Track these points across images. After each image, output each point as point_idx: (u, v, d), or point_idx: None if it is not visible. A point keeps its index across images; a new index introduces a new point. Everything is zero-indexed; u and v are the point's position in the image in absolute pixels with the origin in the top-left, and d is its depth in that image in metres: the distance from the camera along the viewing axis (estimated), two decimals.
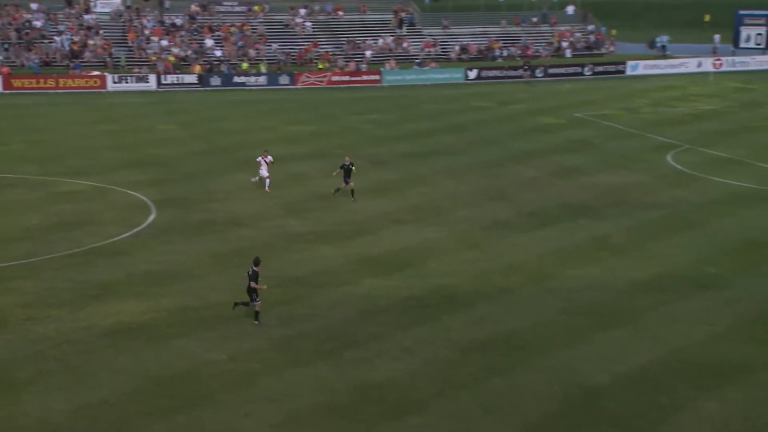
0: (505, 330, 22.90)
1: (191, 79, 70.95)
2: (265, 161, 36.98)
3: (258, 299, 23.29)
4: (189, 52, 76.66)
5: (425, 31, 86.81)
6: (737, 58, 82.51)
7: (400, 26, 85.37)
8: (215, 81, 71.49)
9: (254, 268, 23.42)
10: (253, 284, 23.20)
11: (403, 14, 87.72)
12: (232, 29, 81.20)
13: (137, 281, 26.54)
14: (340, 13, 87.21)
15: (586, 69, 78.36)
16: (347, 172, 35.45)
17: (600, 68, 78.84)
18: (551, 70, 77.38)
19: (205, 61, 75.60)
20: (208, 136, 50.40)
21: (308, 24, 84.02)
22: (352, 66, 76.68)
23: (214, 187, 38.35)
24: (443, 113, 58.93)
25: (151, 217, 33.41)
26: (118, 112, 59.11)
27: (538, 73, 76.37)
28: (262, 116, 57.65)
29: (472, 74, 75.38)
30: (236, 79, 72.03)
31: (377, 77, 74.34)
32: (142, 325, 23.22)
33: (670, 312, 24.02)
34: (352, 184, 35.61)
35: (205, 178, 40.05)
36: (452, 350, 21.70)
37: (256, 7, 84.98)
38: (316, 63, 77.50)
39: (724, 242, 29.91)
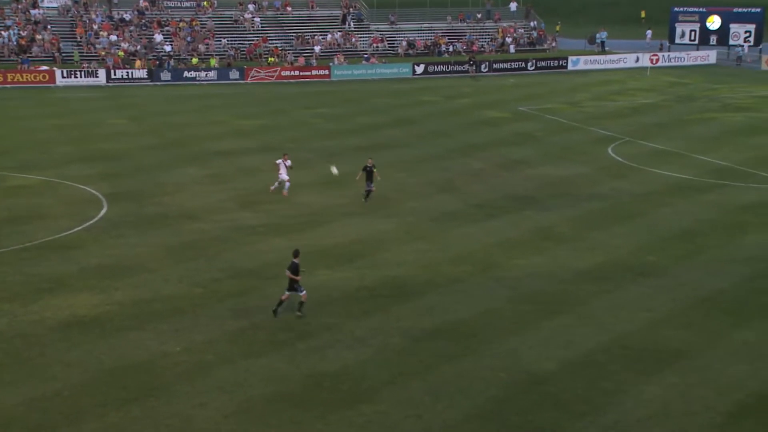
0: (454, 318, 23.48)
1: (141, 74, 70.54)
2: (285, 164, 35.28)
3: (303, 290, 23.42)
4: (138, 48, 76.07)
5: (373, 27, 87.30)
6: (672, 54, 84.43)
7: (344, 21, 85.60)
8: (165, 76, 71.14)
9: (294, 261, 23.52)
10: (289, 274, 23.28)
11: (351, 10, 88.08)
12: (182, 24, 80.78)
13: (90, 275, 26.59)
14: (289, 9, 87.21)
15: (529, 64, 79.67)
16: (369, 174, 34.11)
17: (543, 63, 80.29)
18: (496, 65, 78.52)
19: (154, 56, 75.15)
20: (158, 131, 50.26)
21: (257, 20, 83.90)
22: (301, 61, 76.85)
23: (166, 180, 38.37)
24: (392, 107, 59.47)
25: (103, 211, 33.38)
26: (68, 106, 58.57)
27: (483, 68, 77.38)
28: (213, 110, 57.59)
29: (419, 69, 76.06)
30: (186, 74, 71.77)
31: (326, 72, 74.63)
32: (95, 318, 23.32)
33: (612, 299, 24.77)
34: (373, 187, 34.23)
35: (156, 172, 40.02)
36: (403, 339, 22.20)
37: (204, 3, 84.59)
38: (266, 58, 77.48)
39: (663, 231, 30.86)
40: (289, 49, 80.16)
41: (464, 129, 51.29)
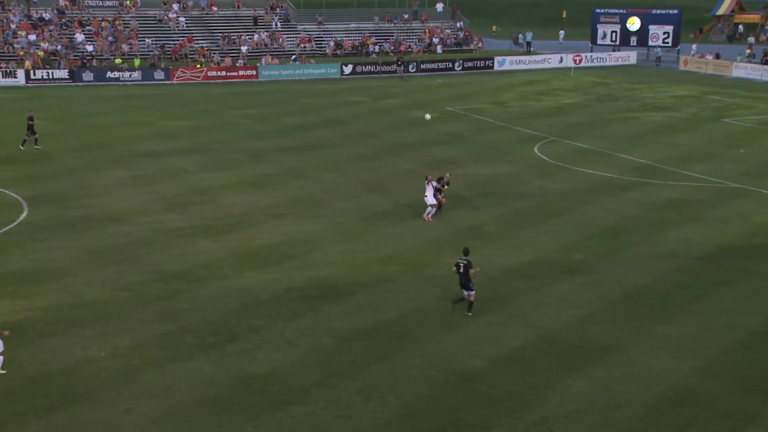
0: (385, 318, 23.51)
1: (62, 74, 68.95)
2: (432, 186, 32.43)
3: (473, 289, 23.51)
4: (59, 47, 74.34)
5: (300, 27, 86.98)
6: (595, 54, 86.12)
7: (255, 23, 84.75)
8: (87, 76, 69.72)
9: (466, 258, 23.72)
10: (472, 270, 23.57)
11: (278, 10, 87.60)
12: (104, 24, 79.22)
13: (10, 280, 25.86)
14: (214, 8, 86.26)
15: (456, 64, 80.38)
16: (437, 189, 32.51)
17: (469, 64, 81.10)
18: (423, 66, 78.98)
19: (76, 56, 73.53)
20: (81, 132, 49.19)
21: (182, 19, 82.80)
22: (228, 61, 76.13)
23: (90, 183, 37.58)
24: (320, 107, 59.33)
25: (24, 215, 32.51)
26: None
27: (411, 68, 77.74)
28: (138, 111, 56.63)
29: (347, 69, 76.05)
30: (110, 75, 70.44)
31: (254, 72, 74.08)
32: (15, 324, 22.60)
33: (540, 297, 25.11)
34: (443, 199, 32.96)
35: (80, 174, 39.17)
36: (333, 339, 22.14)
37: (127, 2, 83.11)
38: (192, 58, 76.52)
39: (588, 229, 31.41)
40: (215, 50, 79.32)
41: (393, 129, 51.45)
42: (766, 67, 75.12)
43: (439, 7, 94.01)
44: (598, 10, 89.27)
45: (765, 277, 26.57)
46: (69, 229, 30.96)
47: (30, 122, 43.90)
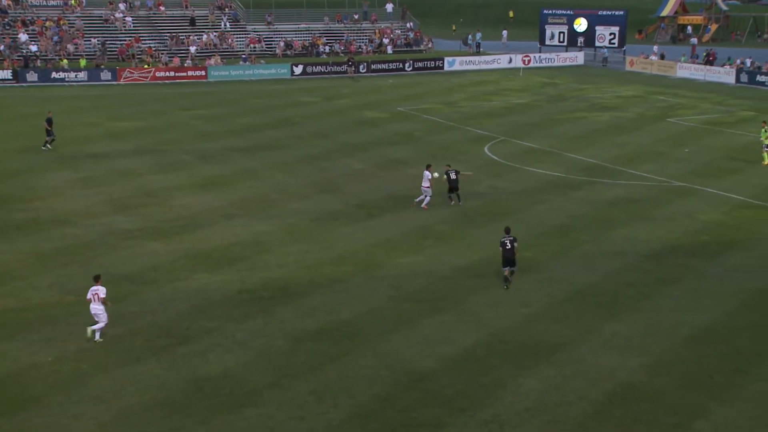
0: (337, 319, 23.49)
1: (4, 74, 67.66)
2: (430, 175, 33.91)
3: (516, 264, 25.63)
4: (1, 47, 72.92)
5: (249, 27, 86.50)
6: (543, 55, 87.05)
7: (192, 23, 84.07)
8: (32, 77, 68.54)
9: (511, 236, 25.75)
10: (517, 245, 25.68)
11: (226, 10, 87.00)
12: (48, 24, 77.89)
13: None
14: (162, 8, 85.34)
15: (407, 65, 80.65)
16: (452, 184, 34.08)
17: (420, 64, 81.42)
18: (374, 66, 79.08)
19: (19, 56, 72.20)
20: (26, 133, 48.25)
21: (129, 19, 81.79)
22: (176, 62, 75.40)
23: (36, 185, 36.93)
24: (271, 108, 59.07)
25: None
26: None
27: (362, 68, 77.79)
28: (85, 112, 55.83)
29: (298, 70, 75.82)
30: (54, 75, 69.28)
31: (203, 73, 73.47)
32: None
33: (490, 295, 25.28)
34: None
35: (25, 176, 38.49)
36: (286, 341, 22.07)
37: (72, 2, 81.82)
38: (139, 58, 75.63)
39: (538, 228, 31.72)
40: (163, 50, 78.50)
41: (344, 129, 51.42)
42: (708, 67, 76.60)
43: (389, 7, 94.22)
44: (546, 11, 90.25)
45: (710, 274, 27.10)
46: (14, 232, 30.39)
47: (47, 126, 44.19)
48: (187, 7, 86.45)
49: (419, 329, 22.85)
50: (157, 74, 71.83)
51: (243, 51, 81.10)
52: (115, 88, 68.11)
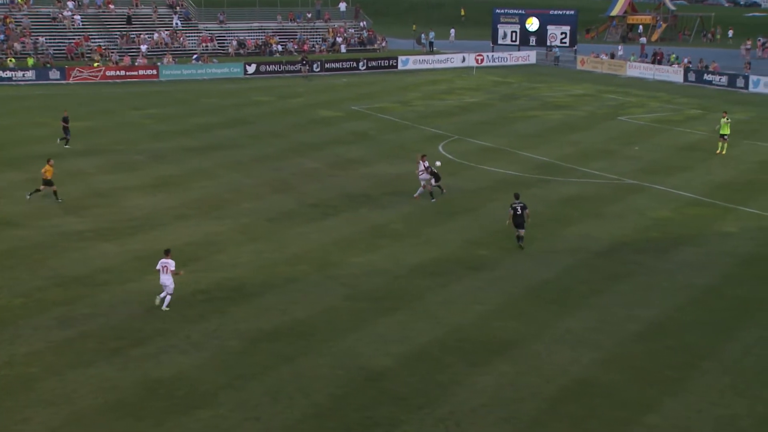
0: (292, 318, 23.41)
1: None
2: (423, 165, 35.10)
3: (525, 227, 28.77)
4: None
5: (201, 26, 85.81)
6: (496, 54, 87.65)
7: (128, 22, 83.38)
8: None
9: (521, 202, 28.92)
10: (527, 212, 28.69)
11: (177, 9, 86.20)
12: None
13: None
14: (111, 6, 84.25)
15: (360, 64, 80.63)
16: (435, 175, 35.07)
17: (374, 63, 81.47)
18: (328, 65, 78.96)
19: None
20: None
21: (77, 17, 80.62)
22: (126, 60, 74.52)
23: None
24: (224, 107, 58.67)
25: None
26: None
27: (316, 67, 77.62)
28: (33, 112, 54.88)
29: (251, 69, 75.41)
30: (1, 74, 68.01)
31: (154, 72, 72.70)
32: None
33: (446, 293, 25.40)
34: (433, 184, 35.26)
35: None
36: (240, 341, 21.93)
37: (19, 0, 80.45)
38: (89, 57, 74.58)
39: (492, 226, 31.90)
40: (113, 49, 77.54)
41: (298, 128, 51.25)
42: (657, 66, 77.75)
43: (342, 6, 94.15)
44: (498, 11, 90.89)
45: (660, 270, 27.52)
46: None
47: (64, 123, 44.35)
48: (137, 5, 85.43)
49: (375, 328, 22.86)
50: (108, 73, 70.90)
51: (195, 50, 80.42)
52: (64, 87, 67.08)
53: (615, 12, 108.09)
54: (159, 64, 73.99)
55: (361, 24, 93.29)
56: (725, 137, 44.12)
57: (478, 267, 27.59)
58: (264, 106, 60.02)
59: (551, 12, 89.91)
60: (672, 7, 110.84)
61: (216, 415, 18.36)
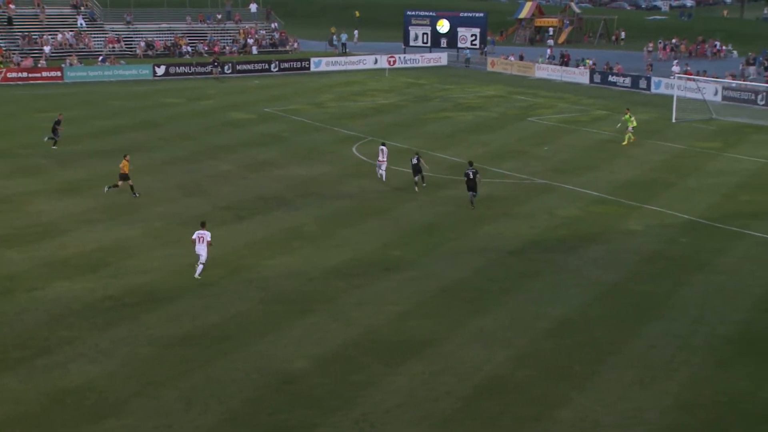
0: (205, 323, 23.12)
1: None
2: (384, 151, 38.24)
3: (477, 192, 33.40)
4: None
5: (107, 27, 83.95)
6: (408, 56, 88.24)
7: (9, 23, 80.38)
8: None
9: (473, 169, 33.43)
10: (479, 176, 33.46)
11: (82, 9, 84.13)
12: None
13: None
14: (12, 6, 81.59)
15: (272, 65, 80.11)
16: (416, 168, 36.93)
17: (286, 64, 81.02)
18: (239, 67, 78.15)
19: None
20: None
21: None
22: (28, 62, 72.37)
23: None
24: (133, 110, 57.53)
25: None
26: None
27: (227, 69, 76.78)
28: None
29: (160, 70, 74.11)
30: None
31: (59, 74, 70.78)
32: None
33: (360, 295, 25.45)
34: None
35: None
36: (152, 347, 21.56)
37: None
38: None
39: (406, 227, 32.13)
40: (14, 50, 75.20)
41: (210, 131, 50.62)
42: (564, 68, 79.47)
43: (253, 7, 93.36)
44: (409, 13, 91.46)
45: (569, 267, 28.13)
46: None
47: (57, 126, 44.18)
48: (40, 5, 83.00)
49: (290, 331, 22.77)
50: (9, 75, 68.70)
51: (101, 51, 78.64)
52: None
53: (523, 15, 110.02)
54: (63, 65, 72.06)
55: (273, 25, 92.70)
56: (631, 129, 47.31)
57: (393, 268, 27.73)
58: (174, 108, 59.09)
59: (461, 14, 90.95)
60: (577, 10, 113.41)
61: (125, 425, 18.02)
